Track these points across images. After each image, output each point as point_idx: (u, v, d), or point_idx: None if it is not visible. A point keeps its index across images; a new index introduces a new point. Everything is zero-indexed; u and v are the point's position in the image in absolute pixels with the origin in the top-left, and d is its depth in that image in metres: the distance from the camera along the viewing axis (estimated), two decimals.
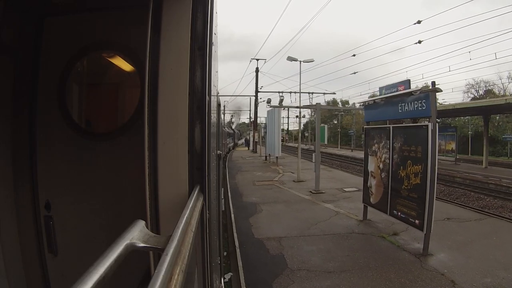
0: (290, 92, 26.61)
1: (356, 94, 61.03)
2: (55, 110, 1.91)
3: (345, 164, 24.89)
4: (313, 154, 10.47)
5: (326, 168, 17.80)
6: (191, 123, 1.10)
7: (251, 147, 34.43)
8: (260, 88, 32.37)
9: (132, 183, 1.27)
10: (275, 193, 10.07)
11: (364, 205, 6.77)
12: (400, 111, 5.66)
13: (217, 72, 1.77)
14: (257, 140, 31.35)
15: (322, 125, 21.98)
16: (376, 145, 6.32)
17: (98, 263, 0.44)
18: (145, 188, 1.06)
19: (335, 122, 56.71)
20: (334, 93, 30.10)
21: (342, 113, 56.38)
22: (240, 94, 39.76)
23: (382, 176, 6.05)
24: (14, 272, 1.52)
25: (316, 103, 11.32)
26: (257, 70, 31.51)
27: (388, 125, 6.27)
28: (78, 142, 2.12)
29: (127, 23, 1.99)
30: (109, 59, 2.33)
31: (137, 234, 0.59)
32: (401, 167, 5.42)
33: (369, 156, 6.62)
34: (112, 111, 2.35)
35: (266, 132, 22.87)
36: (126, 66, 2.39)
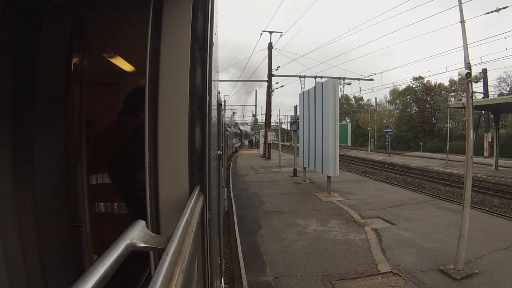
0: (316, 77, 20.65)
1: (368, 91, 59.78)
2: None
3: (417, 180, 14.37)
4: None
5: (414, 193, 9.60)
6: (191, 123, 1.10)
7: (261, 151, 25.37)
8: (276, 70, 22.20)
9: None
10: None
11: None
12: None
13: (217, 72, 1.77)
14: (270, 142, 22.74)
15: (344, 122, 18.06)
16: None
17: (99, 263, 0.44)
18: (145, 188, 1.06)
19: (348, 120, 54.18)
20: (372, 79, 22.29)
21: (356, 110, 53.50)
22: (249, 79, 31.34)
23: None
24: (14, 272, 1.52)
25: None
26: (270, 46, 22.05)
27: None
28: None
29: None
30: (109, 59, 2.33)
31: (137, 234, 0.59)
32: None
33: None
34: (112, 111, 2.35)
35: (297, 130, 12.63)
36: (126, 66, 2.39)
